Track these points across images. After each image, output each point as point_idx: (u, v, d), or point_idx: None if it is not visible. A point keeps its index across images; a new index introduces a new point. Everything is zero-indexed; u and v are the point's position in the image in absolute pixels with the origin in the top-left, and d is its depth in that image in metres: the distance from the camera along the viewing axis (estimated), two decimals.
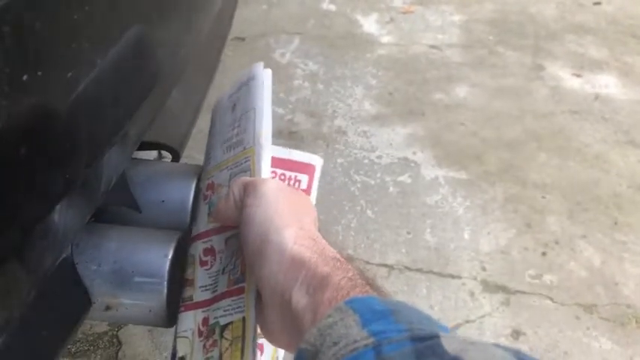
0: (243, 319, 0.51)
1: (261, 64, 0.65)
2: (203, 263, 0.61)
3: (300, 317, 0.44)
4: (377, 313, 0.38)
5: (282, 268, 0.46)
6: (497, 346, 0.33)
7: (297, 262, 0.46)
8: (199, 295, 0.59)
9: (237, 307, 0.53)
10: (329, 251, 0.48)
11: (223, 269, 0.58)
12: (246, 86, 0.67)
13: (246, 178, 0.56)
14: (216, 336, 0.53)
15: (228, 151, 0.65)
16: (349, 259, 0.49)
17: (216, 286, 0.57)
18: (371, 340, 0.36)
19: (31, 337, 0.54)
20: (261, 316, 0.50)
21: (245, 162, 0.61)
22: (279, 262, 0.47)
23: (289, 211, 0.51)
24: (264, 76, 0.64)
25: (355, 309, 0.39)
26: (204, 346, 0.54)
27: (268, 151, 0.60)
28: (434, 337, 0.34)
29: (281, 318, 0.47)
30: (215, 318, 0.54)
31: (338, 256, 0.48)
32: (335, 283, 0.43)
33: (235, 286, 0.54)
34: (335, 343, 0.37)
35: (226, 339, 0.52)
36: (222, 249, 0.59)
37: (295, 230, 0.48)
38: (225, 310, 0.54)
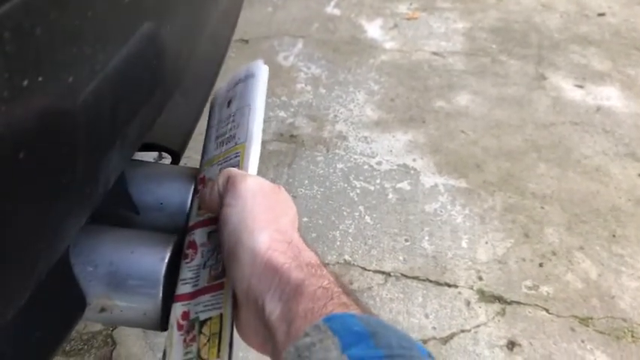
0: (221, 315, 0.51)
1: (260, 62, 0.65)
2: (184, 256, 0.60)
3: (274, 327, 0.43)
4: (356, 335, 0.37)
5: (255, 272, 0.46)
6: None
7: (270, 268, 0.46)
8: (179, 289, 0.58)
9: (217, 303, 0.52)
10: (305, 256, 0.47)
11: (204, 263, 0.57)
12: (243, 83, 0.67)
13: (231, 170, 0.56)
14: (196, 331, 0.53)
15: (221, 146, 0.66)
16: (324, 264, 0.48)
17: (197, 281, 0.57)
18: None
19: (25, 337, 0.54)
20: (236, 314, 0.50)
21: (235, 157, 0.61)
22: (251, 266, 0.46)
23: (265, 213, 0.50)
24: (263, 74, 0.64)
25: (334, 329, 0.38)
26: (184, 340, 0.54)
27: (258, 147, 0.60)
28: None
29: (254, 321, 0.47)
30: (196, 313, 0.54)
31: (314, 260, 0.47)
32: (310, 292, 0.43)
33: (216, 282, 0.54)
34: None
35: (204, 335, 0.52)
36: (205, 242, 0.59)
37: (270, 233, 0.48)
38: (205, 306, 0.54)
